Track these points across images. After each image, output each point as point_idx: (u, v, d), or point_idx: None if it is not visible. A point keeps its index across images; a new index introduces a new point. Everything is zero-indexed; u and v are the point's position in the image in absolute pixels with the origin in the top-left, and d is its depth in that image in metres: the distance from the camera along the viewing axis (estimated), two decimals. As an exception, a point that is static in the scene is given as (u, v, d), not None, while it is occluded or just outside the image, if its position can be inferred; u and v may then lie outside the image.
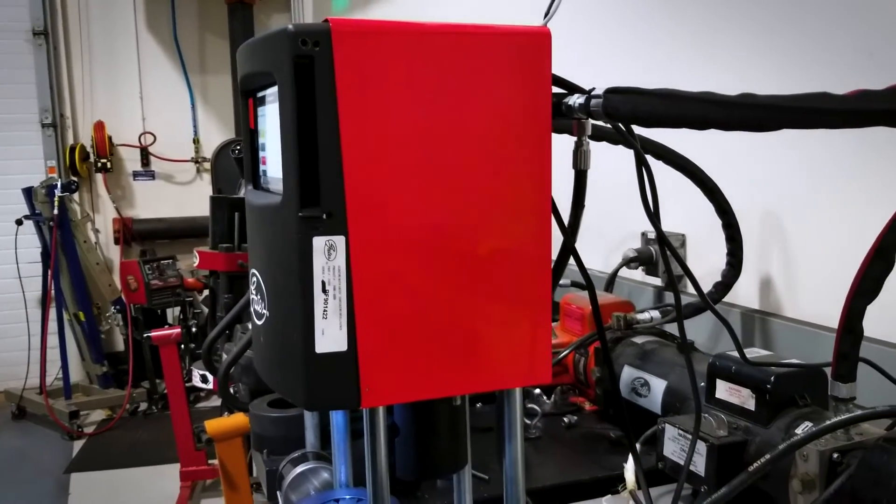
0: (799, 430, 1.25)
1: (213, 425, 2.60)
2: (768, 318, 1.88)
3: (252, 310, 0.98)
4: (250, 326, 2.34)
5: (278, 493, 1.40)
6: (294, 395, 0.88)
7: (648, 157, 1.46)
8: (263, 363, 0.96)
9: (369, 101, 0.83)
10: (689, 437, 1.34)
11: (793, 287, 1.87)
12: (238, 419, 2.64)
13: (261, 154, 1.03)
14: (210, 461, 4.29)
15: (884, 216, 1.14)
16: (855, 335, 1.18)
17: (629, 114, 0.88)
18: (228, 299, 3.01)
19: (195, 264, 3.16)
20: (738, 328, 1.96)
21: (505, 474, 1.00)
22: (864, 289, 1.15)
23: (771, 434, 1.28)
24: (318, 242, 0.83)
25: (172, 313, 6.00)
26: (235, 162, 2.94)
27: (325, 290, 0.84)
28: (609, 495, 1.44)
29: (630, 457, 1.42)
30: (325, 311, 0.84)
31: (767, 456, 1.18)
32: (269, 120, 0.98)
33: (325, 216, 0.82)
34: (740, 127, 0.81)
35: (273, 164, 0.97)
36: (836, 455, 1.19)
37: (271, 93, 0.95)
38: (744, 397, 1.34)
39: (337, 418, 1.14)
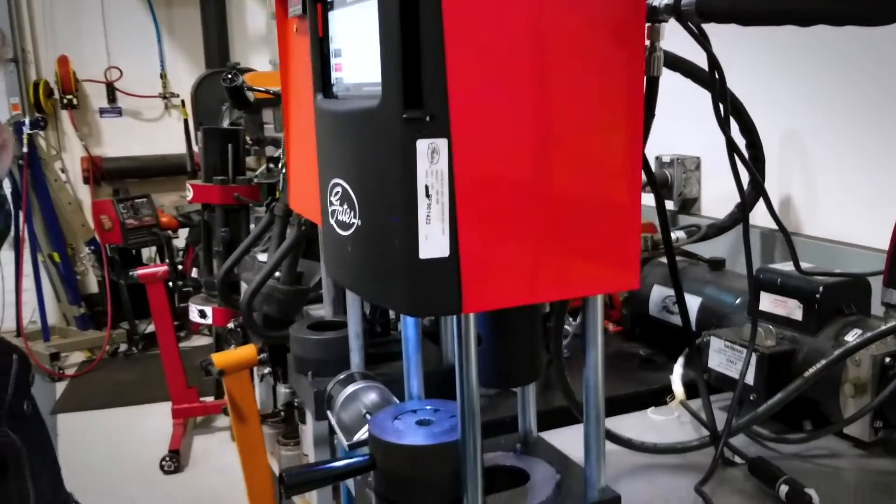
0: (849, 338, 1.27)
1: (220, 358, 2.58)
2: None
3: (333, 221, 0.95)
4: (261, 257, 2.31)
5: (329, 413, 1.40)
6: (395, 302, 0.87)
7: (676, 76, 1.45)
8: (351, 274, 0.94)
9: (473, -5, 0.80)
10: (736, 348, 1.36)
11: (813, 205, 1.89)
12: (245, 351, 2.62)
13: (333, 61, 0.99)
14: (201, 398, 4.29)
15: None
16: (910, 242, 1.20)
17: (727, 11, 0.86)
18: (225, 233, 2.96)
19: (188, 198, 3.09)
20: (758, 247, 1.98)
21: (585, 381, 1.01)
22: (923, 195, 1.16)
23: (819, 342, 1.31)
24: (422, 145, 0.81)
25: (149, 253, 5.91)
26: (227, 91, 2.85)
27: (428, 195, 0.82)
28: (653, 407, 1.47)
29: (676, 369, 1.44)
30: (428, 216, 0.82)
31: (823, 362, 1.21)
32: (347, 24, 0.94)
33: (428, 118, 0.80)
34: (851, 20, 0.80)
35: (353, 69, 0.94)
36: (888, 359, 1.22)
37: (349, -6, 0.92)
38: (790, 308, 1.36)
39: (408, 331, 1.13)
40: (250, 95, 2.88)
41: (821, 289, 1.32)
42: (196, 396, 4.25)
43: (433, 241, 0.83)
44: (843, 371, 1.25)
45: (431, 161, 0.82)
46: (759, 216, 2.00)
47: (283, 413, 2.95)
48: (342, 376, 1.44)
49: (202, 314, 3.04)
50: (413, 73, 0.80)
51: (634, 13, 0.88)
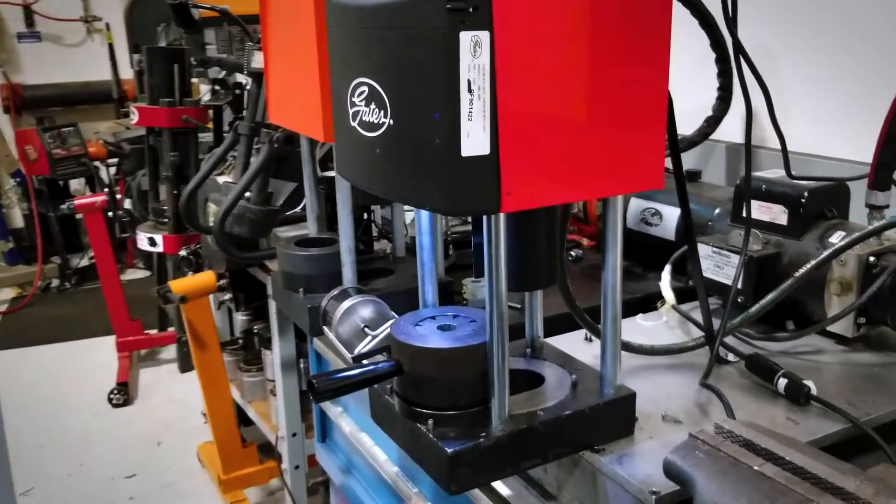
0: (833, 239, 1.32)
1: (179, 285, 2.53)
2: (754, 150, 1.95)
3: (356, 123, 0.93)
4: (220, 179, 2.25)
5: (326, 328, 1.39)
6: (434, 201, 0.86)
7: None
8: (379, 176, 0.92)
9: None
10: (723, 253, 1.40)
11: (782, 118, 1.92)
12: (205, 277, 2.58)
13: (350, -43, 0.95)
14: (146, 331, 4.21)
15: (875, 50, 1.16)
16: (897, 145, 1.24)
17: None
18: (174, 157, 2.85)
19: (133, 122, 2.96)
20: (723, 161, 2.03)
21: (604, 282, 1.02)
22: (912, 99, 1.20)
23: (804, 245, 1.36)
24: (465, 38, 0.79)
25: (77, 184, 5.68)
26: (171, 9, 2.71)
27: (470, 90, 0.81)
28: (642, 313, 1.51)
29: (664, 276, 1.48)
30: (470, 112, 0.81)
31: (813, 261, 1.25)
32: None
33: (471, 9, 0.78)
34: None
35: (377, -36, 0.91)
36: (872, 258, 1.27)
37: None
38: (775, 213, 1.41)
39: (423, 239, 1.12)
40: (195, 13, 2.76)
41: (806, 193, 1.36)
42: (140, 329, 4.17)
43: (474, 139, 0.82)
44: (829, 271, 1.30)
45: (474, 55, 0.80)
46: (726, 132, 2.04)
47: (241, 340, 2.93)
48: (336, 292, 1.43)
49: (151, 242, 2.95)
50: (455, -38, 0.77)
51: None
